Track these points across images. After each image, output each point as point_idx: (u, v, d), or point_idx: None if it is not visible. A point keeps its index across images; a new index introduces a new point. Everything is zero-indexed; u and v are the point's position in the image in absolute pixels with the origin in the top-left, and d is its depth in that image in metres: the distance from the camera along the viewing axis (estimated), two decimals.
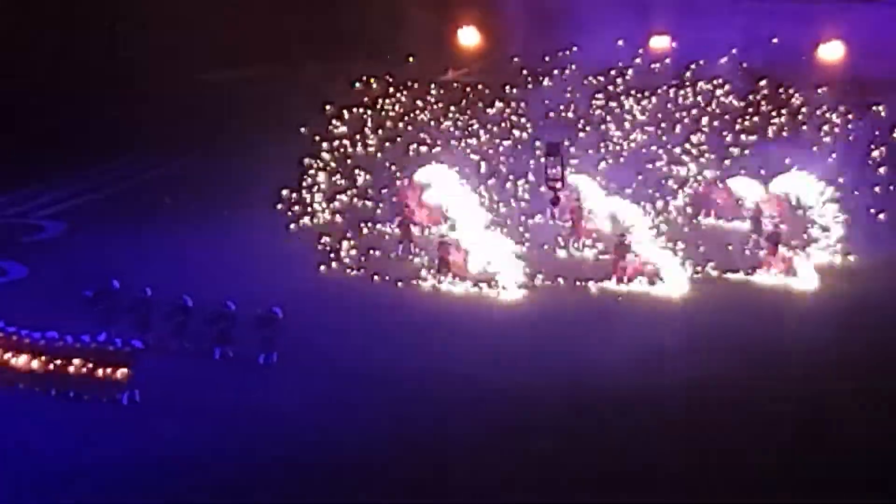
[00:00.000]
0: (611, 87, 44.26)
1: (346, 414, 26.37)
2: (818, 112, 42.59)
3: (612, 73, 44.74)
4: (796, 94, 43.59)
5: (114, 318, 29.40)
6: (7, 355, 27.51)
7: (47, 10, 48.08)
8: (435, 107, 43.89)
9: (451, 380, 27.76)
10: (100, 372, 27.00)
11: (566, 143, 38.57)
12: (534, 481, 23.95)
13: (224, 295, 29.54)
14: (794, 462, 24.41)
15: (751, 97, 43.66)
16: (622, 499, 23.41)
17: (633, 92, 43.86)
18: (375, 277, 34.10)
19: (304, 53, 48.12)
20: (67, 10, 48.06)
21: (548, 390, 27.27)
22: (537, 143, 40.35)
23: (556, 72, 44.83)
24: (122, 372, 26.90)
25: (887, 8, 45.73)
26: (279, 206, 38.19)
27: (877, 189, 38.48)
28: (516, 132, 42.25)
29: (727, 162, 40.13)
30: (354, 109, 43.55)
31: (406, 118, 43.40)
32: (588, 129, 42.12)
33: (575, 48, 44.93)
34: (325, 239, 36.07)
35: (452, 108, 43.69)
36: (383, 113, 43.76)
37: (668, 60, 45.40)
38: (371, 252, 35.44)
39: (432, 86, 44.99)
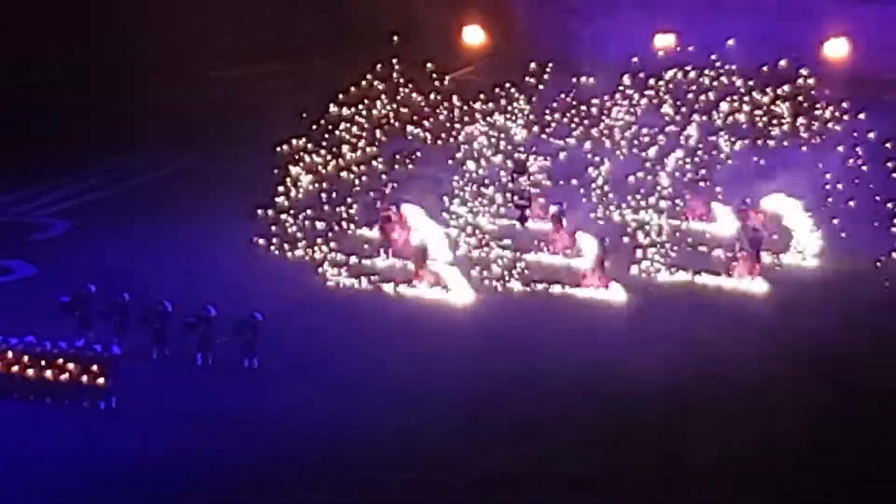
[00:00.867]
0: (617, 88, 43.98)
1: (332, 418, 26.65)
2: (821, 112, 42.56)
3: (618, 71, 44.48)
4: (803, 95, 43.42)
5: (91, 324, 29.50)
6: None
7: (55, 7, 48.20)
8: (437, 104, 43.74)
9: (436, 383, 28.11)
10: (76, 377, 27.06)
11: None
12: (519, 486, 24.26)
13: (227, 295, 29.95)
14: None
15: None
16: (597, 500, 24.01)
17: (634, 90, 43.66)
18: (359, 281, 34.15)
19: (312, 49, 48.19)
20: (75, 7, 48.18)
21: (536, 396, 27.67)
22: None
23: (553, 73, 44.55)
24: (99, 378, 26.99)
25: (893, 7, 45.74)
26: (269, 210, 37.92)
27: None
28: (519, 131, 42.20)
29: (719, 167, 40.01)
30: (353, 107, 43.33)
31: (403, 118, 43.19)
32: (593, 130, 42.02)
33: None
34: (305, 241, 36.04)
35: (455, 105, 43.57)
36: (382, 111, 43.61)
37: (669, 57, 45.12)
38: (353, 256, 35.31)
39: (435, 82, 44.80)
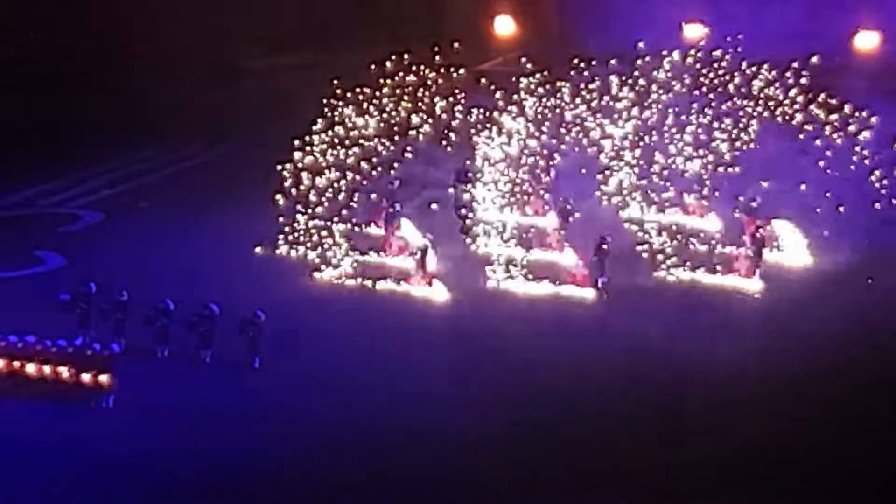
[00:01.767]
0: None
1: (333, 419, 26.70)
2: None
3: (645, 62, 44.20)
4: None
5: (92, 322, 29.54)
6: None
7: None
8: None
9: (435, 383, 28.20)
10: (74, 376, 27.07)
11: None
12: (504, 489, 24.35)
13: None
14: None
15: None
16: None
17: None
18: (361, 281, 34.31)
19: (339, 40, 48.20)
20: None
21: (529, 400, 27.67)
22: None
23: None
24: (100, 377, 27.01)
25: None
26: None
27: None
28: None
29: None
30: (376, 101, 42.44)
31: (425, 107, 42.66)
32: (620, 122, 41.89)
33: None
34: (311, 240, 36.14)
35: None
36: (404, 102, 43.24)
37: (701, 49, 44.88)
38: (358, 255, 35.44)
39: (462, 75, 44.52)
